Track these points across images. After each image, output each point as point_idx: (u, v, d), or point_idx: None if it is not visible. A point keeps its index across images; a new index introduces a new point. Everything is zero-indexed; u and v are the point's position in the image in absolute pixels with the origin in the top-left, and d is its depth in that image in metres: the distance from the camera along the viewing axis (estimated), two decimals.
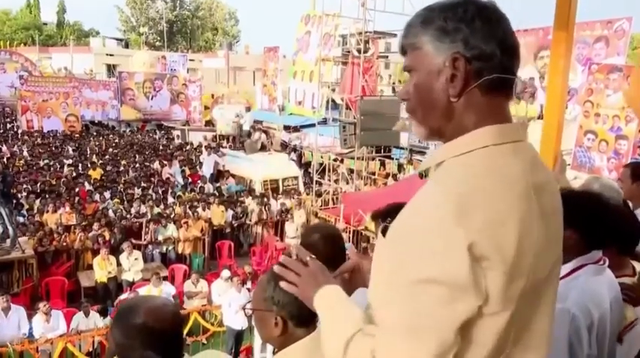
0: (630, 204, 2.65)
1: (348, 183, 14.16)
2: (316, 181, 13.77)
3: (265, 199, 12.45)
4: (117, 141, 20.15)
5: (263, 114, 22.58)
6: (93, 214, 10.65)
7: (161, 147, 19.19)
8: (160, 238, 10.28)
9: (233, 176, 14.67)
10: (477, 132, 0.96)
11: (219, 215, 11.50)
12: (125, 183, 13.38)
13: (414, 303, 0.88)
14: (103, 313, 7.60)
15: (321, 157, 15.61)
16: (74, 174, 14.22)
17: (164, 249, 10.36)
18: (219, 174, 14.99)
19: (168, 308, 1.56)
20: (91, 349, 6.96)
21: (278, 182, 13.96)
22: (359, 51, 14.07)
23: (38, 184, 12.75)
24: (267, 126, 20.96)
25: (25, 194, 11.82)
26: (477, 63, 0.94)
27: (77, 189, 12.45)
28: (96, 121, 24.71)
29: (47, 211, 10.51)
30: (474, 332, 0.90)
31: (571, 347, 1.61)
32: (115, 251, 9.30)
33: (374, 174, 15.11)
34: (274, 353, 1.48)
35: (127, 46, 45.34)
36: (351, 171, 14.28)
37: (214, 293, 8.12)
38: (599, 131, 9.94)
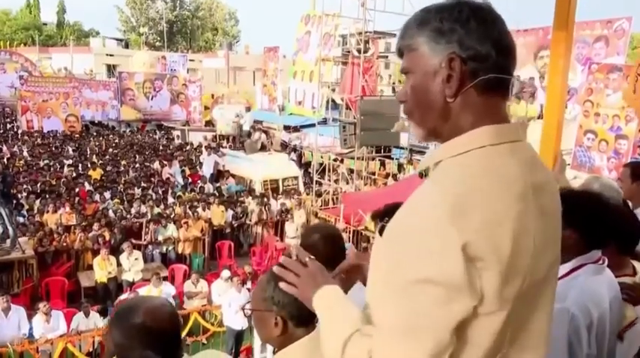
0: (630, 204, 2.65)
1: (348, 183, 14.16)
2: (316, 181, 13.77)
3: (265, 199, 12.45)
4: (117, 141, 20.15)
5: (263, 114, 22.59)
6: (93, 214, 10.65)
7: (161, 148, 19.19)
8: (160, 238, 10.28)
9: (233, 176, 14.67)
10: (474, 133, 0.96)
11: (219, 215, 11.50)
12: (125, 183, 13.38)
13: (410, 304, 0.88)
14: (103, 313, 7.59)
15: (321, 157, 15.61)
16: (74, 174, 14.22)
17: (164, 249, 10.36)
18: (219, 174, 14.99)
19: (167, 308, 1.57)
20: (91, 349, 6.96)
21: (278, 182, 13.96)
22: (359, 51, 14.07)
23: (38, 184, 12.74)
24: (267, 126, 20.97)
25: (25, 194, 11.82)
26: (473, 63, 0.94)
27: (77, 190, 12.45)
28: (96, 121, 24.72)
29: (47, 211, 10.50)
30: (470, 332, 0.90)
31: (570, 347, 1.61)
32: (115, 251, 9.29)
33: (374, 174, 15.11)
34: (274, 353, 1.48)
35: (127, 46, 45.37)
36: (351, 171, 14.28)
37: (214, 294, 8.11)
38: (599, 131, 9.94)
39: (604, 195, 2.02)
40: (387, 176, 15.30)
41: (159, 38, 49.76)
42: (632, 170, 2.82)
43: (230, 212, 11.74)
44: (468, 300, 0.87)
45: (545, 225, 0.96)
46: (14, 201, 11.01)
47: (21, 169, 14.47)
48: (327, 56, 15.78)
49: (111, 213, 10.88)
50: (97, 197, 11.86)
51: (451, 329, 0.87)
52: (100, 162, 15.80)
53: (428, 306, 0.87)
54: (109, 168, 15.19)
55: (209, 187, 13.68)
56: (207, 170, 15.31)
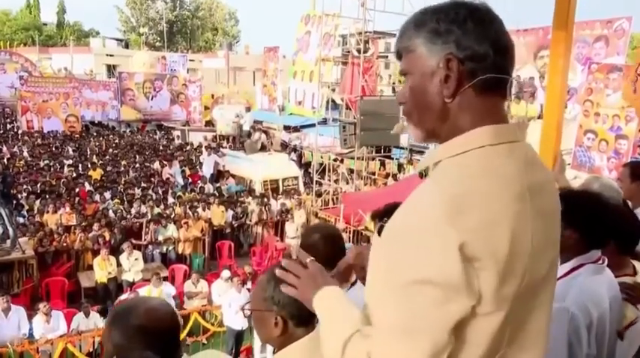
0: (630, 204, 2.65)
1: (348, 183, 14.16)
2: (316, 181, 13.77)
3: (265, 199, 12.45)
4: (117, 141, 20.16)
5: (263, 114, 22.59)
6: (93, 214, 10.65)
7: (161, 148, 19.19)
8: (160, 238, 10.28)
9: (233, 176, 14.67)
10: (472, 133, 0.96)
11: (219, 215, 11.50)
12: (125, 183, 13.39)
13: (408, 304, 0.88)
14: (104, 313, 7.58)
15: (321, 157, 15.61)
16: (74, 174, 14.23)
17: (164, 249, 10.36)
18: (219, 175, 14.99)
19: (166, 308, 1.57)
20: (91, 349, 6.96)
21: (278, 182, 13.96)
22: (359, 51, 14.07)
23: (38, 185, 12.75)
24: (267, 127, 20.96)
25: (25, 194, 11.82)
26: (470, 63, 0.95)
27: (77, 190, 12.45)
28: (96, 122, 24.72)
29: (47, 212, 10.51)
30: (468, 333, 0.91)
31: (570, 347, 1.61)
32: (115, 251, 9.30)
33: (374, 174, 15.12)
34: (274, 353, 1.48)
35: (126, 46, 45.40)
36: (351, 171, 14.28)
37: (214, 294, 8.11)
38: (599, 130, 9.93)
39: (604, 195, 2.03)
40: (387, 176, 15.29)
41: (159, 38, 49.76)
42: (631, 170, 2.82)
43: (230, 212, 11.74)
44: (465, 300, 0.87)
45: (544, 226, 0.96)
46: (14, 202, 11.02)
47: (21, 169, 14.48)
48: (327, 56, 15.77)
49: (111, 213, 10.88)
50: (97, 197, 11.86)
51: (449, 329, 0.88)
52: (100, 162, 15.81)
53: (426, 307, 0.87)
54: (109, 168, 15.20)
55: (209, 187, 13.68)
56: (207, 170, 15.32)
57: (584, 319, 1.61)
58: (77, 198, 11.68)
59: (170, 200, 12.28)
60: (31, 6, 49.62)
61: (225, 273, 8.17)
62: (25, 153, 16.91)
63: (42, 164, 15.34)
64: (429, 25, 0.97)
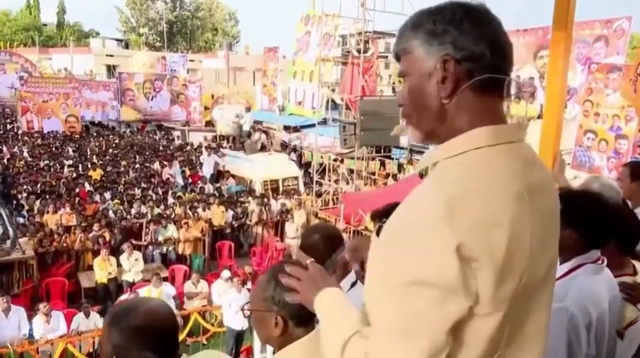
0: (629, 203, 2.65)
1: (348, 183, 14.16)
2: (316, 181, 13.77)
3: (265, 199, 12.44)
4: (117, 141, 20.17)
5: (263, 114, 22.59)
6: (93, 215, 10.65)
7: (161, 148, 19.19)
8: (161, 239, 10.28)
9: (233, 176, 14.67)
10: (471, 133, 0.96)
11: (219, 215, 11.50)
12: (125, 183, 13.39)
13: (406, 305, 0.88)
14: (104, 314, 7.58)
15: (321, 157, 15.60)
16: (74, 174, 14.23)
17: (164, 249, 10.36)
18: (219, 175, 14.99)
19: (165, 308, 1.57)
20: (91, 350, 6.96)
21: (278, 182, 13.96)
22: (359, 51, 14.07)
23: (38, 185, 12.75)
24: (267, 127, 20.97)
25: (25, 195, 11.82)
26: (467, 64, 0.95)
27: (77, 190, 12.45)
28: (96, 122, 24.74)
29: (47, 212, 10.51)
30: (466, 333, 0.91)
31: (570, 346, 1.61)
32: (116, 252, 9.30)
33: (374, 174, 15.11)
34: (274, 353, 1.48)
35: (126, 46, 45.42)
36: (351, 171, 14.27)
37: (214, 294, 8.11)
38: (598, 130, 9.93)
39: (604, 194, 2.03)
40: (387, 176, 15.29)
41: (159, 38, 49.78)
42: (631, 169, 2.82)
43: (230, 212, 11.74)
44: (463, 301, 0.87)
45: (543, 226, 0.96)
46: (14, 202, 11.01)
47: (21, 170, 14.48)
48: (327, 56, 15.78)
49: (111, 214, 10.88)
50: (97, 197, 11.86)
51: (447, 330, 0.88)
52: (100, 162, 15.81)
53: (423, 307, 0.87)
54: (109, 168, 15.20)
55: (209, 188, 13.68)
56: (207, 170, 15.31)
57: (584, 319, 1.61)
58: (77, 199, 11.68)
59: (170, 200, 12.28)
60: (31, 6, 49.65)
61: (226, 274, 8.17)
62: (25, 154, 16.92)
63: (42, 164, 15.34)
64: (425, 27, 0.97)
